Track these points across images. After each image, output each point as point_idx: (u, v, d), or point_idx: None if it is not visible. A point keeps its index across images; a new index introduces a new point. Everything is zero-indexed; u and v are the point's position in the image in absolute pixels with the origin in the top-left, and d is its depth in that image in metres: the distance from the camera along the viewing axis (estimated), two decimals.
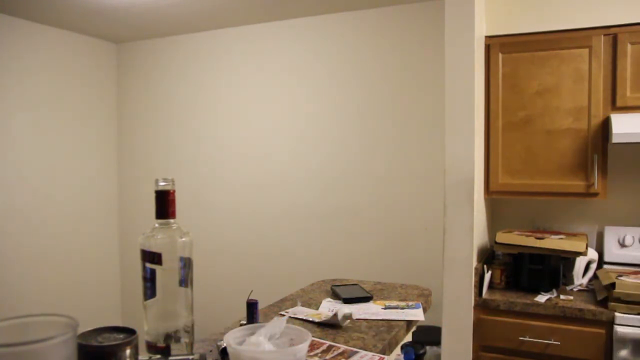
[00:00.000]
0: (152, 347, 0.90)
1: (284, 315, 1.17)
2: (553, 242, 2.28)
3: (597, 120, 2.29)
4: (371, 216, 3.01)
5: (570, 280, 2.40)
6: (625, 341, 1.99)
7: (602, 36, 2.27)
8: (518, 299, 2.22)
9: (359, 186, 3.02)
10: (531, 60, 2.40)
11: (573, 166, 2.34)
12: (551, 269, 2.32)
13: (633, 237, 2.42)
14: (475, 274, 2.23)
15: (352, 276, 2.51)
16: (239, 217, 3.41)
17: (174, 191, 0.93)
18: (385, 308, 1.27)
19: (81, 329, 0.70)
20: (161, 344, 0.89)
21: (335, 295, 1.39)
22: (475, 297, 2.24)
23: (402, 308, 1.27)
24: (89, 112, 3.59)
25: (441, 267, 2.23)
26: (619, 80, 2.25)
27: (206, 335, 1.09)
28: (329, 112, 3.10)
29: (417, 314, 1.24)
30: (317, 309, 1.26)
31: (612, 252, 2.45)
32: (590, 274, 2.39)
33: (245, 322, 1.11)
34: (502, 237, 2.39)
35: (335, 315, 1.13)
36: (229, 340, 0.81)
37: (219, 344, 0.99)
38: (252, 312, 1.10)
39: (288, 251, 3.26)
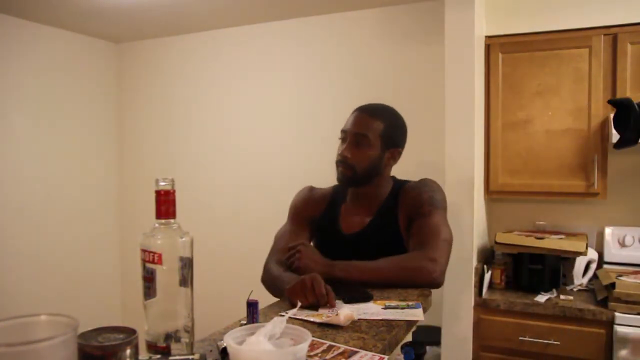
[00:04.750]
0: (152, 347, 0.90)
1: (284, 315, 1.17)
2: (553, 242, 2.28)
3: (597, 120, 2.29)
4: None
5: (570, 280, 2.40)
6: (625, 341, 1.99)
7: (602, 36, 2.27)
8: (518, 299, 2.22)
9: None
10: (531, 60, 2.40)
11: (573, 166, 2.34)
12: (551, 269, 2.32)
13: (633, 237, 2.42)
14: (475, 274, 2.23)
15: None
16: (239, 216, 3.41)
17: (174, 191, 0.93)
18: (385, 308, 1.27)
19: (81, 329, 0.70)
20: (161, 344, 0.89)
21: (336, 295, 1.39)
22: (475, 297, 2.24)
23: (402, 308, 1.27)
24: (89, 112, 3.58)
25: None
26: (619, 80, 2.25)
27: (206, 335, 1.09)
28: (329, 112, 3.10)
29: (417, 314, 1.24)
30: (317, 309, 1.26)
31: (612, 252, 2.45)
32: (590, 274, 2.39)
33: (245, 322, 1.11)
34: (502, 237, 2.39)
35: (337, 315, 1.13)
36: (229, 340, 0.81)
37: (219, 344, 0.99)
38: (252, 312, 1.10)
39: None
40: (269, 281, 1.51)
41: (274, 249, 1.64)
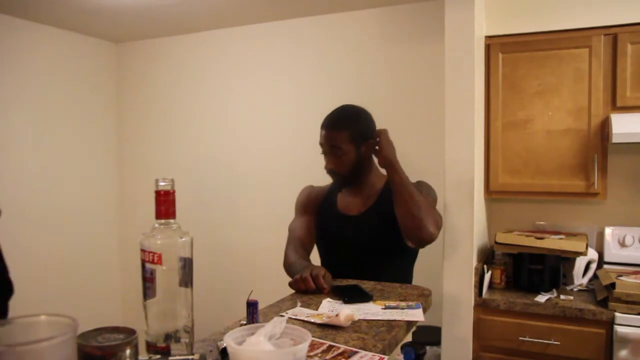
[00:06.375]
0: (152, 347, 0.90)
1: (284, 315, 1.17)
2: (553, 242, 2.28)
3: (597, 120, 2.29)
4: None
5: (570, 280, 2.40)
6: (625, 341, 1.99)
7: (602, 36, 2.27)
8: (518, 299, 2.21)
9: None
10: (531, 60, 2.40)
11: (573, 166, 2.34)
12: (551, 269, 2.32)
13: (633, 237, 2.42)
14: (475, 274, 2.23)
15: None
16: (239, 217, 3.41)
17: (174, 191, 0.93)
18: (385, 308, 1.27)
19: (81, 329, 0.70)
20: (161, 344, 0.89)
21: (336, 295, 1.39)
22: (475, 297, 2.24)
23: (402, 308, 1.27)
24: (89, 112, 3.58)
25: (441, 267, 2.23)
26: (619, 80, 2.25)
27: (206, 335, 1.09)
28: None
29: (417, 314, 1.24)
30: (316, 309, 1.27)
31: (612, 252, 2.45)
32: (590, 274, 2.39)
33: (245, 322, 1.11)
34: (502, 237, 2.39)
35: (338, 316, 1.13)
36: (229, 340, 0.81)
37: (219, 344, 0.99)
38: (252, 312, 1.10)
39: None
40: (286, 267, 1.78)
41: (290, 239, 1.90)
